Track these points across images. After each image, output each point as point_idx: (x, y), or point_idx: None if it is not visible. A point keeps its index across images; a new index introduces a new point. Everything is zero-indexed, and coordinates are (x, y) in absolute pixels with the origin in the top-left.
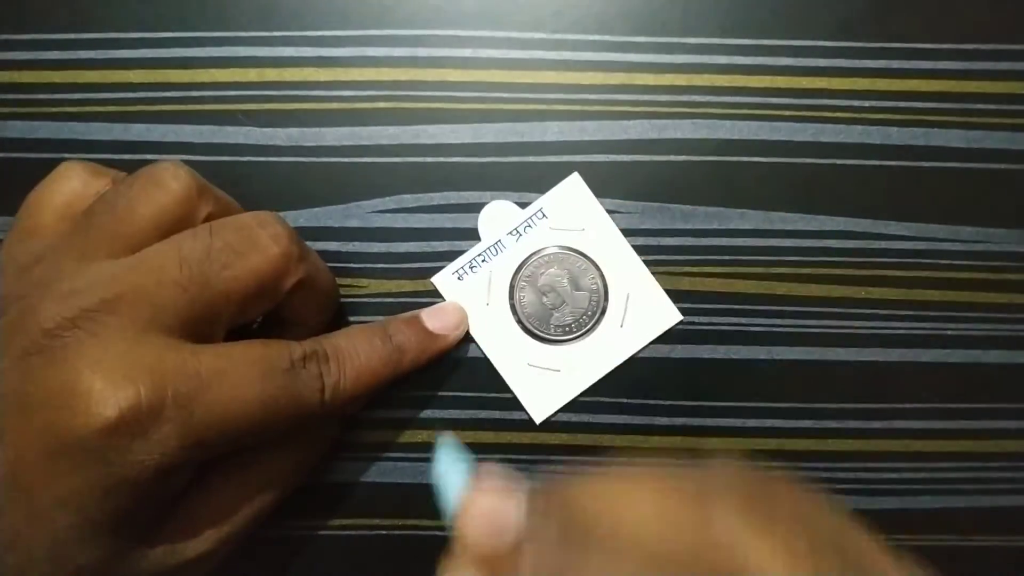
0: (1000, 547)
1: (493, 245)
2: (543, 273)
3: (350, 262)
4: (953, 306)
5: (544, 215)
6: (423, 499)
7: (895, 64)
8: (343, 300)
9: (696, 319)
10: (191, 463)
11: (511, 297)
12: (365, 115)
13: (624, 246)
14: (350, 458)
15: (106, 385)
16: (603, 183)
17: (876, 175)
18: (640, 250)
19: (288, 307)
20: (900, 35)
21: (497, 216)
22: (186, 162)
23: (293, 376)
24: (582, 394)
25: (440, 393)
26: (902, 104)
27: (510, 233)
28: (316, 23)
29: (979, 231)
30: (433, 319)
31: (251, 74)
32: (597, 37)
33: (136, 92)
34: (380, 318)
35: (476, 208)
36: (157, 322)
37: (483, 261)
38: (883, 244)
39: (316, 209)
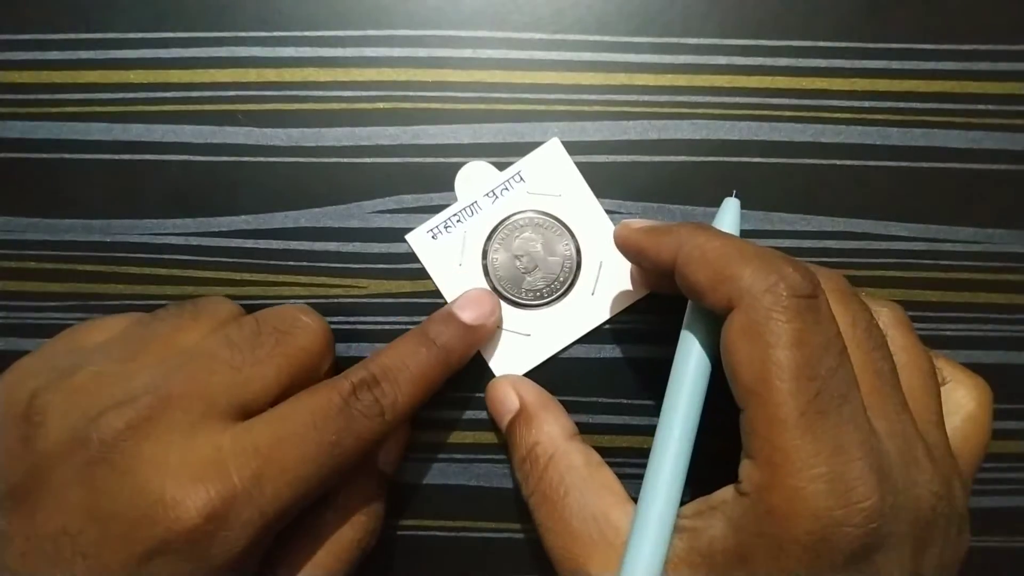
0: (1000, 548)
1: (469, 206)
2: (517, 237)
3: (350, 262)
4: (953, 307)
5: (522, 179)
6: (424, 499)
7: (895, 65)
8: (343, 300)
9: None
10: (275, 530)
11: (484, 259)
12: (365, 115)
13: (600, 214)
14: None
15: (177, 490)
16: (603, 183)
17: (876, 175)
18: None
19: None
20: (900, 36)
21: (474, 177)
22: (186, 162)
23: (348, 413)
24: (581, 395)
25: (441, 394)
26: (902, 105)
27: (487, 195)
28: (316, 23)
29: (979, 231)
30: (467, 311)
31: (251, 74)
32: (597, 37)
33: (136, 92)
34: (380, 318)
35: None
36: (211, 412)
37: (458, 221)
38: (883, 245)
39: (316, 209)
